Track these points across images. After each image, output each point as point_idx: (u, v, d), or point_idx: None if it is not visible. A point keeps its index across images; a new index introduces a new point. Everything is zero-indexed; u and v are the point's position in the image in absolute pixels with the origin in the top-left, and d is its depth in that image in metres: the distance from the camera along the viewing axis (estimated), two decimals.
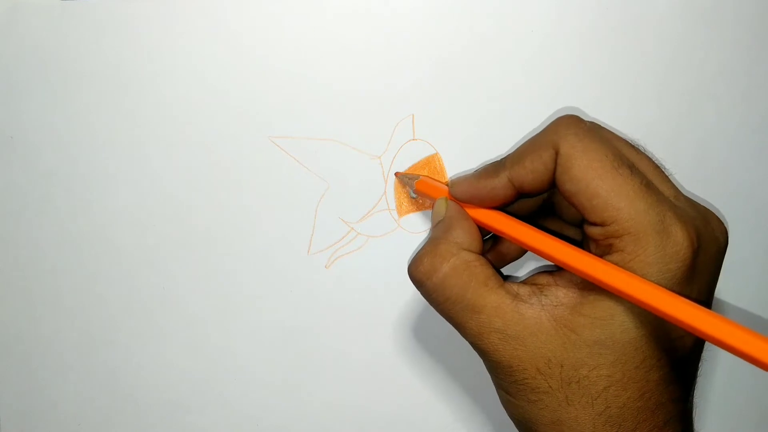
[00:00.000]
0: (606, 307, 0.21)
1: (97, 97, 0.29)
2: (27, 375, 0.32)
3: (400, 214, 0.31)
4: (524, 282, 0.24)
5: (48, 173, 0.30)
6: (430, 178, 0.30)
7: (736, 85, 0.32)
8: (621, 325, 0.21)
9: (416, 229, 0.32)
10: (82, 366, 0.32)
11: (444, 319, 0.24)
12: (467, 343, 0.24)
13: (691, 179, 0.32)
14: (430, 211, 0.32)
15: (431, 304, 0.25)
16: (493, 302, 0.23)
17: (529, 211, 0.27)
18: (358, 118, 0.30)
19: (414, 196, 0.31)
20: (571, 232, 0.27)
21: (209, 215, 0.31)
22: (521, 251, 0.28)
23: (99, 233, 0.31)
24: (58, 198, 0.30)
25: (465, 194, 0.26)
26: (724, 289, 0.34)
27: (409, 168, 0.31)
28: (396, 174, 0.31)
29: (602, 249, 0.22)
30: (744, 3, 0.31)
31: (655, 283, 0.20)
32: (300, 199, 0.31)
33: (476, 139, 0.31)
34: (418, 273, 0.24)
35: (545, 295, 0.23)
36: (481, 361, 0.25)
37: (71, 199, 0.30)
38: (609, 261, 0.21)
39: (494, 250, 0.28)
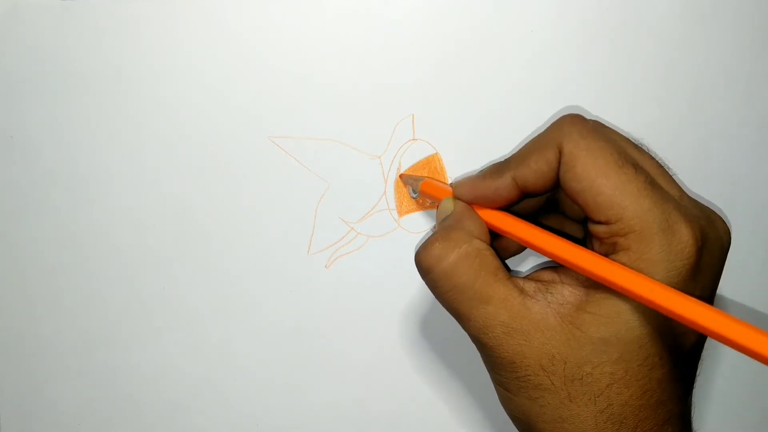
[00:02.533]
0: (612, 305, 0.21)
1: (97, 97, 0.29)
2: (27, 375, 0.32)
3: (400, 213, 0.31)
4: (528, 278, 0.24)
5: (48, 173, 0.30)
6: (435, 179, 0.30)
7: (736, 85, 0.32)
8: (626, 323, 0.21)
9: (416, 229, 0.32)
10: (82, 366, 0.32)
11: (442, 315, 0.24)
12: (468, 342, 0.24)
13: (692, 179, 0.32)
14: (430, 211, 0.32)
15: (435, 293, 0.24)
16: (501, 294, 0.22)
17: (532, 210, 0.27)
18: (358, 118, 0.30)
19: (414, 195, 0.31)
20: (573, 228, 0.27)
21: (209, 215, 0.31)
22: (520, 247, 0.28)
23: (99, 233, 0.31)
24: (58, 198, 0.30)
25: (469, 195, 0.25)
26: (724, 288, 0.34)
27: (409, 168, 0.31)
28: (400, 175, 0.31)
29: (606, 247, 0.22)
30: (744, 3, 0.31)
31: (662, 281, 0.20)
32: (300, 199, 0.31)
33: (476, 139, 0.31)
34: (427, 258, 0.23)
35: (551, 293, 0.23)
36: (482, 360, 0.24)
37: (71, 198, 0.30)
38: (615, 260, 0.21)
39: (494, 245, 0.28)
